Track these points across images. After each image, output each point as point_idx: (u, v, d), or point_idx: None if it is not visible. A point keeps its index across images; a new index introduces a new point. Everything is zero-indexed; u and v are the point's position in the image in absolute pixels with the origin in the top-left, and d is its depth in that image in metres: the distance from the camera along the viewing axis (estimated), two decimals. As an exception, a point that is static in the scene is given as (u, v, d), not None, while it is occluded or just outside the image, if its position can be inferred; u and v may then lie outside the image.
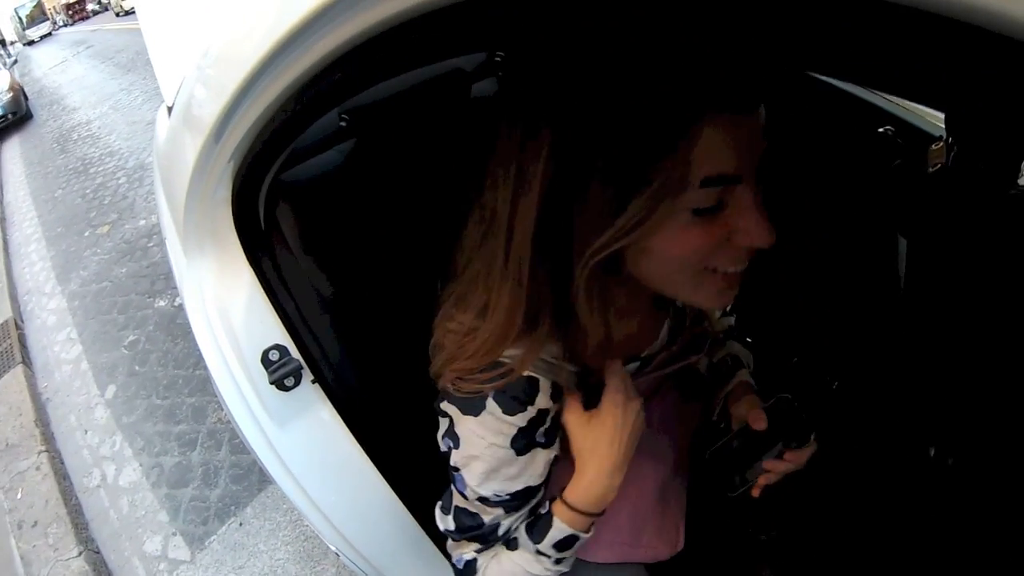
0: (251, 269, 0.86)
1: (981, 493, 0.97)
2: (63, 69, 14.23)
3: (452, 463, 0.67)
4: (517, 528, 0.70)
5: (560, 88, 0.49)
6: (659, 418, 0.80)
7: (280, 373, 0.82)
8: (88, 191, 5.24)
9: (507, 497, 0.66)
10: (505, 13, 0.46)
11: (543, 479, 0.69)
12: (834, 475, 1.07)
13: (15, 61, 18.72)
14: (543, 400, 0.63)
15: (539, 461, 0.67)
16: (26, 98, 9.72)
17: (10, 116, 8.91)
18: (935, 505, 1.00)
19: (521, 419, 0.62)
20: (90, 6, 36.16)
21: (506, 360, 0.60)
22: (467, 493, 0.66)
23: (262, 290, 0.85)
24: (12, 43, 31.81)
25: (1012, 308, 1.23)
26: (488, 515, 0.67)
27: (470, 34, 0.61)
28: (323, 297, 0.85)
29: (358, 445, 0.85)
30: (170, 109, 1.06)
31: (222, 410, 2.04)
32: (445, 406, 0.65)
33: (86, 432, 2.57)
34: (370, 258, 0.87)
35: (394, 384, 0.81)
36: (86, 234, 4.39)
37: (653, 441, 0.80)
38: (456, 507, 0.69)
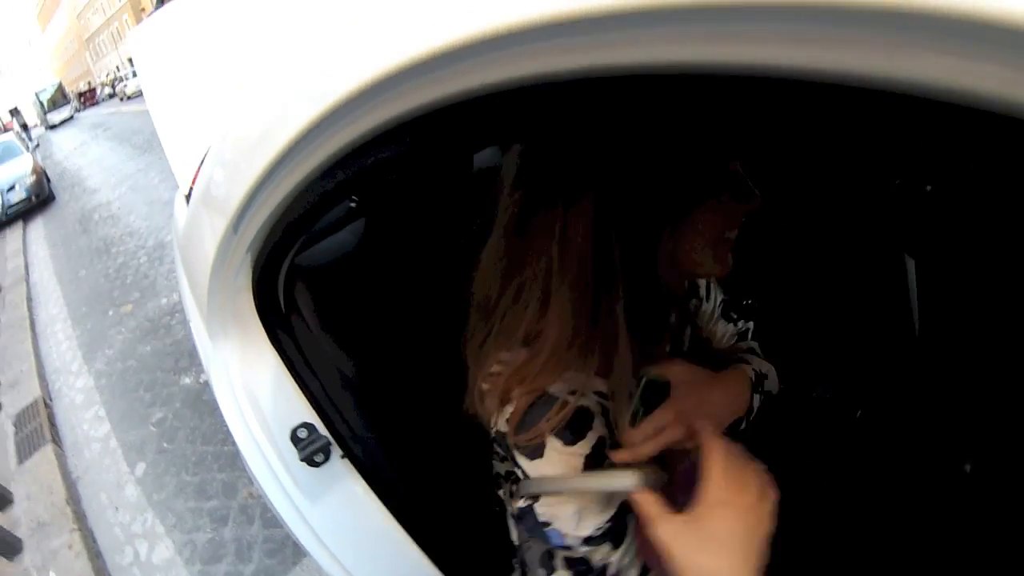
0: (274, 350, 0.88)
1: (1009, 501, 0.95)
2: (83, 152, 14.78)
3: (540, 520, 0.66)
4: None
5: (595, 169, 0.60)
6: None
7: (309, 450, 0.84)
8: (111, 270, 5.38)
9: (608, 526, 0.65)
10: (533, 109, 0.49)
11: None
12: (869, 501, 1.05)
13: (37, 145, 19.40)
14: (599, 427, 0.65)
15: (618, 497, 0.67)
16: (48, 180, 10.06)
17: (33, 198, 9.20)
18: (970, 518, 0.97)
19: (584, 447, 0.63)
20: (103, 91, 37.91)
21: (556, 395, 0.63)
22: (569, 543, 0.65)
23: (286, 370, 0.87)
24: (34, 127, 33.10)
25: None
26: (598, 554, 0.66)
27: (495, 127, 0.64)
28: (345, 374, 0.87)
29: (391, 516, 0.85)
30: (187, 197, 1.11)
31: (252, 485, 2.04)
32: (517, 460, 0.66)
33: (117, 510, 2.58)
34: (388, 333, 0.89)
35: (422, 454, 0.82)
36: (110, 313, 4.48)
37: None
38: (565, 559, 0.67)
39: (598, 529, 0.65)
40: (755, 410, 0.77)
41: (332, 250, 0.93)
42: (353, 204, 0.94)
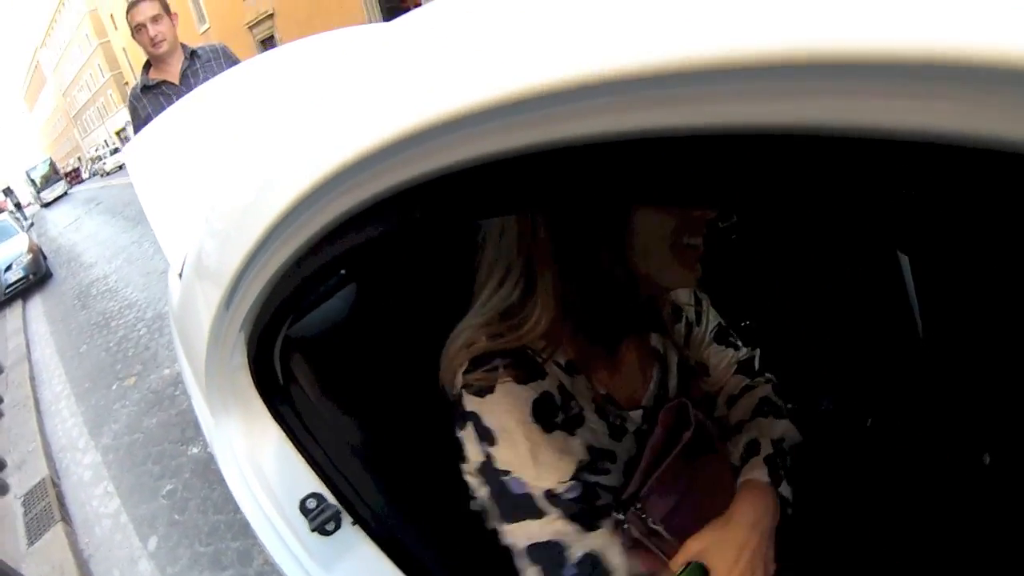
0: (276, 423, 0.88)
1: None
2: (77, 227, 14.90)
3: (498, 468, 0.65)
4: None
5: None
6: (708, 492, 0.79)
7: (320, 520, 0.83)
8: (111, 344, 5.37)
9: (573, 484, 0.65)
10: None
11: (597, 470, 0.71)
12: (891, 503, 1.04)
13: (31, 223, 19.50)
14: (551, 385, 0.69)
15: (575, 444, 0.69)
16: (45, 258, 10.09)
17: (31, 277, 9.18)
18: (992, 507, 0.96)
19: (532, 390, 0.67)
20: (88, 168, 39.39)
21: (530, 348, 0.69)
22: (530, 492, 0.64)
23: (290, 441, 0.88)
24: (27, 205, 33.38)
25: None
26: (566, 535, 0.64)
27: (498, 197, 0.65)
28: (349, 441, 0.87)
29: (407, 578, 0.84)
30: (180, 274, 1.12)
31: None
32: (467, 411, 0.67)
33: (133, 587, 2.54)
34: (388, 396, 0.90)
35: (432, 514, 0.82)
36: (113, 387, 4.47)
37: (707, 519, 0.79)
38: (530, 548, 0.65)
39: (563, 485, 0.65)
40: (790, 499, 0.77)
41: (324, 319, 0.94)
42: (343, 271, 0.95)
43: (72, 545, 2.84)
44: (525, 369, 0.68)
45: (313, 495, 0.85)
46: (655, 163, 0.33)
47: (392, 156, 0.42)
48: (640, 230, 0.67)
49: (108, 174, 30.18)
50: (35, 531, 3.01)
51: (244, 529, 2.49)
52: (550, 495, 0.65)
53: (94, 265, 9.15)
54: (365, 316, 0.96)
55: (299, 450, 0.87)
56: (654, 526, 0.72)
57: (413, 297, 0.92)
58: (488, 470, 0.66)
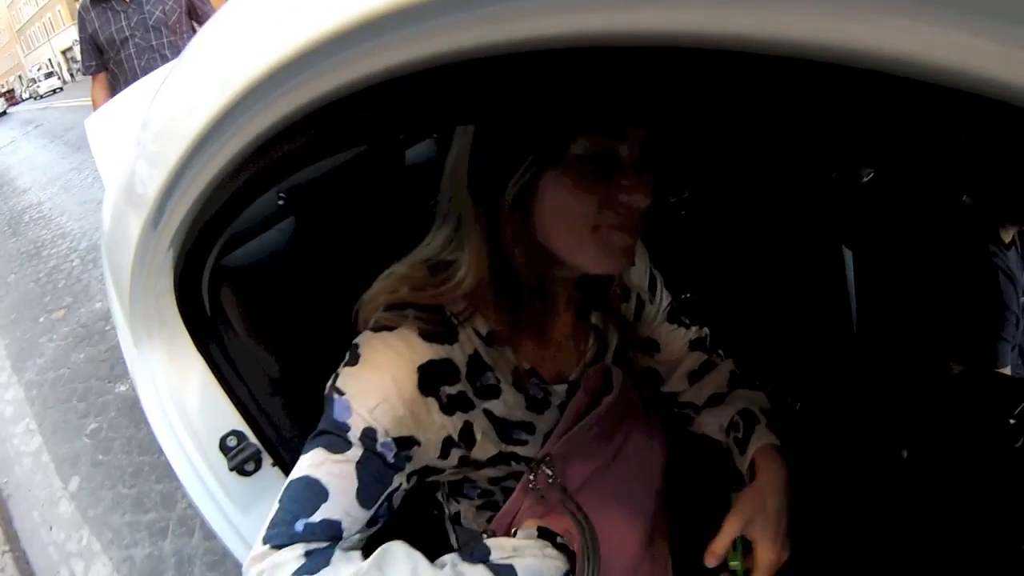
0: (200, 356, 0.85)
1: (939, 482, 0.99)
2: (12, 150, 14.01)
3: (337, 387, 0.62)
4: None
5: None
6: (626, 471, 0.80)
7: (239, 459, 0.81)
8: (42, 275, 5.11)
9: (389, 444, 0.60)
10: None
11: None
12: (811, 492, 1.08)
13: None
14: (458, 353, 0.66)
15: (446, 420, 0.65)
16: (-28, 181, 9.52)
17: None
18: (907, 501, 1.01)
19: (433, 351, 0.64)
20: (26, 90, 38.39)
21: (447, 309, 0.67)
22: (350, 423, 0.59)
23: (214, 377, 0.84)
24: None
25: (957, 302, 1.29)
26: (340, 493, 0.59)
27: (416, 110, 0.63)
28: (273, 379, 0.85)
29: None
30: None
31: (190, 494, 1.97)
32: (353, 343, 0.66)
33: (51, 528, 2.45)
34: (318, 335, 0.87)
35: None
36: (41, 320, 4.26)
37: (630, 492, 0.80)
38: (292, 483, 0.60)
39: (386, 434, 0.60)
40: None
41: (260, 250, 0.90)
42: (281, 202, 0.91)
43: (-12, 486, 2.73)
44: (435, 326, 0.65)
45: (234, 433, 0.82)
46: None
47: (295, 75, 0.42)
48: (553, 205, 0.62)
49: (41, 97, 30.90)
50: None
51: (168, 472, 2.43)
52: (367, 434, 0.59)
53: (28, 190, 8.65)
54: (301, 252, 0.92)
55: (222, 386, 0.84)
56: (562, 490, 0.70)
57: (355, 237, 0.90)
58: (331, 383, 0.63)
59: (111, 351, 3.44)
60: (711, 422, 0.85)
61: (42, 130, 15.52)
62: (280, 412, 0.84)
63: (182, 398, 0.88)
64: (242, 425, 0.83)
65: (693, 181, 1.35)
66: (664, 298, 0.91)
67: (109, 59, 2.63)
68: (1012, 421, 0.96)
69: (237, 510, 0.87)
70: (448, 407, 0.65)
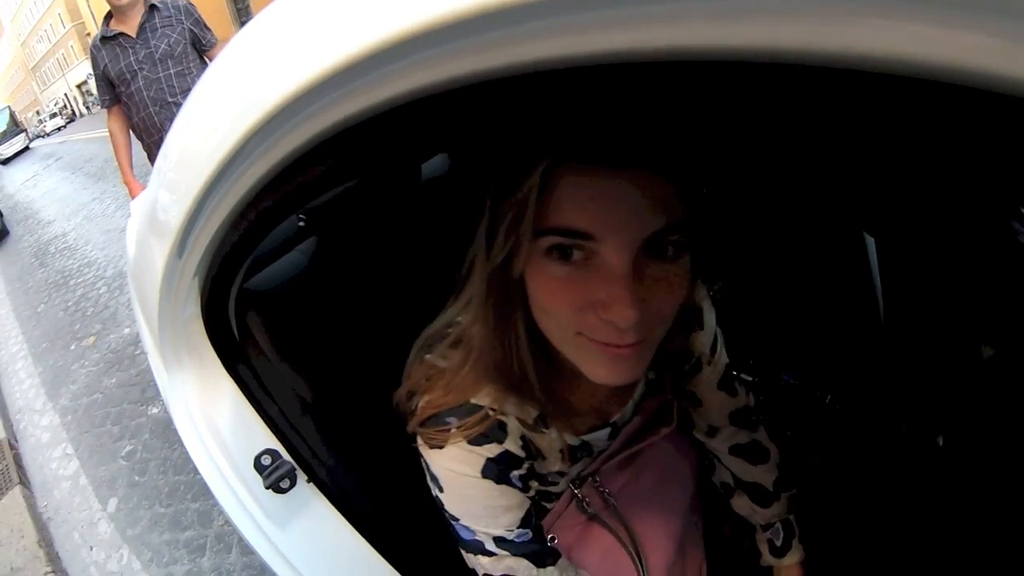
0: (231, 378, 0.86)
1: (977, 469, 0.98)
2: (35, 183, 14.33)
3: (448, 513, 0.65)
4: None
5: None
6: (657, 476, 0.81)
7: (274, 477, 0.82)
8: (70, 303, 5.22)
9: (524, 535, 0.65)
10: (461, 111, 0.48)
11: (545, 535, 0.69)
12: (845, 485, 1.07)
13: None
14: (512, 443, 0.64)
15: (526, 504, 0.67)
16: (1, 215, 9.73)
17: (-14, 234, 9.00)
18: (944, 489, 1.00)
19: (487, 451, 0.62)
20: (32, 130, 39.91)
21: (479, 404, 0.62)
22: (480, 539, 0.64)
23: (244, 398, 0.86)
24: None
25: (984, 284, 1.26)
26: (518, 571, 0.65)
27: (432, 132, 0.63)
28: (303, 398, 0.86)
29: (359, 536, 0.84)
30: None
31: (226, 511, 2.00)
32: (419, 448, 0.65)
33: (91, 548, 2.50)
34: (343, 355, 0.88)
35: (388, 473, 0.81)
36: (72, 347, 4.35)
37: (662, 497, 0.80)
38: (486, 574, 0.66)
39: (509, 531, 0.64)
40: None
41: (283, 272, 0.91)
42: (302, 223, 0.92)
43: (31, 508, 2.79)
44: (479, 429, 0.62)
45: (268, 452, 0.83)
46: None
47: (311, 103, 0.43)
48: (534, 294, 0.53)
49: (48, 135, 33.21)
50: (-7, 495, 2.95)
51: (204, 490, 2.46)
52: (499, 540, 0.64)
53: (53, 222, 8.84)
54: (324, 272, 0.93)
55: (254, 406, 0.85)
56: (610, 497, 0.75)
57: (376, 254, 0.91)
58: (441, 507, 0.66)
59: (141, 375, 3.51)
60: (749, 511, 0.91)
61: (62, 163, 15.84)
62: (312, 430, 0.85)
63: (215, 419, 0.89)
64: (275, 444, 0.85)
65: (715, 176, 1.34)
66: (722, 360, 0.83)
67: (121, 92, 2.72)
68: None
69: (274, 526, 0.88)
70: (522, 487, 0.67)
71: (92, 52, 2.72)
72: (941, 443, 1.04)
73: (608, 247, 0.47)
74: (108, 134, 2.91)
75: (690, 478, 0.86)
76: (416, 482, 0.68)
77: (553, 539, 0.73)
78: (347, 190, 0.89)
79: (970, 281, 1.29)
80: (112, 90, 2.74)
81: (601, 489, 0.77)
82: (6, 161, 27.62)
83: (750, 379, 0.85)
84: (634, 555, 0.76)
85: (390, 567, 0.84)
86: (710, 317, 0.78)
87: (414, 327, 0.69)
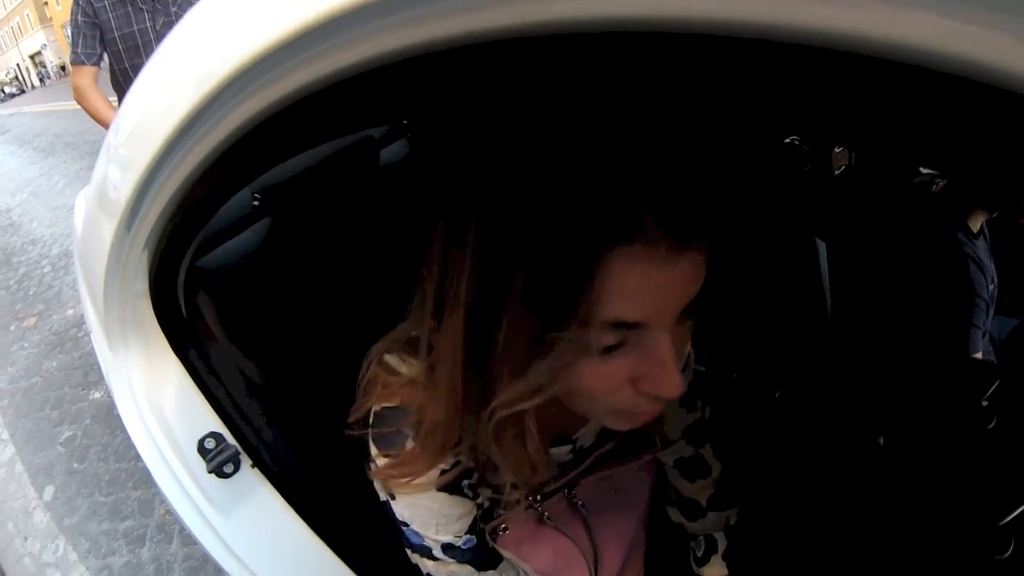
0: (177, 358, 0.84)
1: (916, 467, 1.01)
2: (-22, 157, 13.71)
3: (399, 518, 0.64)
4: None
5: (481, 174, 0.44)
6: (620, 484, 0.82)
7: (217, 461, 0.80)
8: (12, 282, 5.00)
9: (469, 538, 0.64)
10: (416, 84, 0.47)
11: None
12: (790, 481, 1.10)
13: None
14: (464, 455, 0.61)
15: (474, 511, 0.67)
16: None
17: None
18: (885, 486, 1.03)
19: (446, 463, 0.61)
20: None
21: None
22: (428, 544, 0.64)
23: (191, 379, 0.83)
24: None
25: (929, 291, 1.32)
26: (461, 574, 0.65)
27: (381, 105, 0.62)
28: (252, 382, 0.84)
29: (304, 524, 0.82)
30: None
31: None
32: (371, 450, 0.63)
33: (26, 539, 2.39)
34: (294, 338, 0.86)
35: (333, 459, 0.80)
36: (12, 328, 4.16)
37: (623, 502, 0.82)
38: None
39: (459, 539, 0.64)
40: None
41: (235, 251, 0.89)
42: (256, 203, 0.90)
43: (-38, 497, 2.67)
44: (433, 444, 0.57)
45: (212, 435, 0.81)
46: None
47: (273, 68, 0.41)
48: (566, 384, 0.47)
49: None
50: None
51: (146, 477, 2.40)
52: (447, 547, 0.64)
53: (-4, 198, 8.47)
54: (277, 253, 0.91)
55: (200, 387, 0.83)
56: (580, 506, 0.76)
57: (330, 237, 0.89)
58: (388, 509, 0.64)
59: (84, 358, 3.38)
60: (679, 520, 0.93)
61: (9, 136, 15.15)
62: (259, 413, 0.83)
63: (159, 401, 0.86)
64: (220, 427, 0.82)
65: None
66: (689, 377, 0.82)
67: (123, 60, 2.35)
68: (984, 403, 0.98)
69: (217, 513, 0.86)
70: (472, 495, 0.66)
71: (84, 8, 2.29)
72: (882, 442, 1.08)
73: (655, 330, 0.44)
74: (74, 91, 2.44)
75: (647, 489, 0.87)
76: (363, 470, 0.67)
77: (506, 529, 0.73)
78: (303, 171, 0.88)
79: (916, 287, 1.35)
80: (100, 48, 2.34)
81: (573, 498, 0.76)
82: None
83: (702, 369, 0.86)
84: (588, 556, 0.77)
85: (334, 555, 0.83)
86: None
87: (366, 312, 0.68)
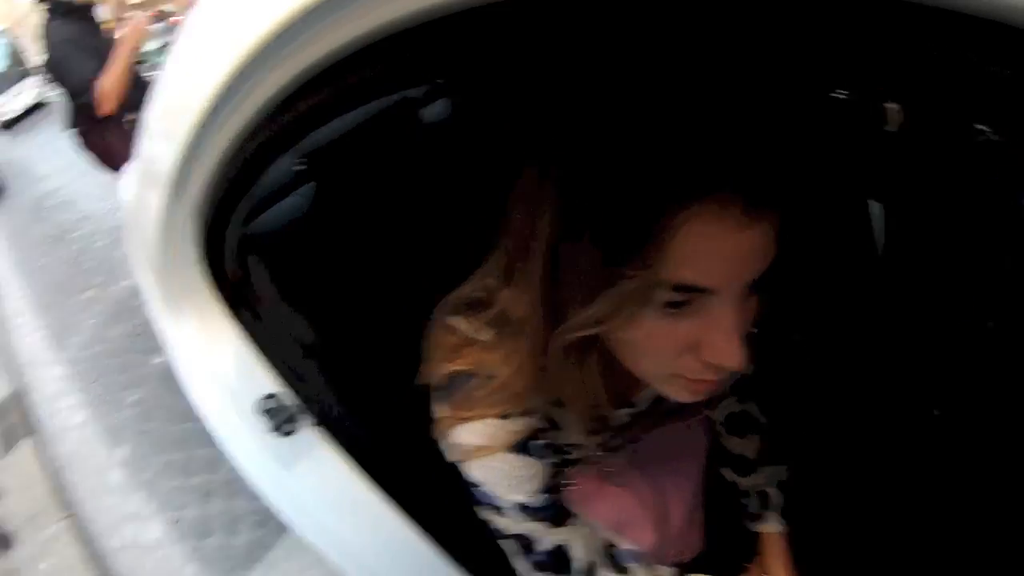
0: (233, 322, 0.85)
1: (972, 441, 0.98)
2: (30, 136, 14.09)
3: (471, 479, 0.65)
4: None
5: (563, 129, 0.45)
6: (681, 440, 0.82)
7: (278, 420, 0.82)
8: (70, 257, 5.21)
9: (544, 497, 0.64)
10: (463, 41, 0.46)
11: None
12: (842, 444, 1.08)
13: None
14: (534, 416, 0.63)
15: (546, 470, 0.66)
16: (-4, 170, 9.57)
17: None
18: (939, 460, 1.01)
19: (519, 424, 0.62)
20: None
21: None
22: (500, 504, 0.64)
23: (247, 342, 0.85)
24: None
25: (988, 257, 1.24)
26: (535, 531, 0.65)
27: (420, 64, 0.61)
28: (306, 341, 0.85)
29: (367, 480, 0.84)
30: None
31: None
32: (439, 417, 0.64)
33: (104, 495, 2.56)
34: (348, 298, 0.87)
35: (394, 417, 0.81)
36: (74, 300, 4.36)
37: (683, 459, 0.82)
38: (501, 532, 0.67)
39: (532, 498, 0.64)
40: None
41: (284, 215, 0.89)
42: (300, 167, 0.90)
43: (42, 458, 2.85)
44: (505, 404, 0.60)
45: (271, 396, 0.83)
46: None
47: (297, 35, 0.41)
48: (633, 343, 0.50)
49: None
50: (3, 446, 3.02)
51: (210, 437, 2.51)
52: (520, 506, 0.64)
53: (47, 177, 8.72)
54: (324, 215, 0.91)
55: (256, 349, 0.85)
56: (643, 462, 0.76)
57: (376, 197, 0.89)
58: (460, 470, 0.65)
59: (144, 324, 3.46)
60: (732, 478, 0.92)
61: (56, 116, 15.54)
62: (316, 373, 0.84)
63: (217, 364, 0.89)
64: (279, 387, 0.85)
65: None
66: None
67: None
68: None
69: (280, 470, 0.89)
70: (543, 456, 0.66)
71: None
72: (937, 414, 1.04)
73: (723, 297, 0.45)
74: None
75: (704, 449, 0.87)
76: (426, 427, 0.68)
77: (571, 486, 0.73)
78: (345, 134, 0.87)
79: (975, 253, 1.27)
80: None
81: (636, 456, 0.76)
82: (11, 124, 25.82)
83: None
84: (653, 513, 0.77)
85: (396, 510, 0.85)
86: None
87: (419, 270, 0.68)
